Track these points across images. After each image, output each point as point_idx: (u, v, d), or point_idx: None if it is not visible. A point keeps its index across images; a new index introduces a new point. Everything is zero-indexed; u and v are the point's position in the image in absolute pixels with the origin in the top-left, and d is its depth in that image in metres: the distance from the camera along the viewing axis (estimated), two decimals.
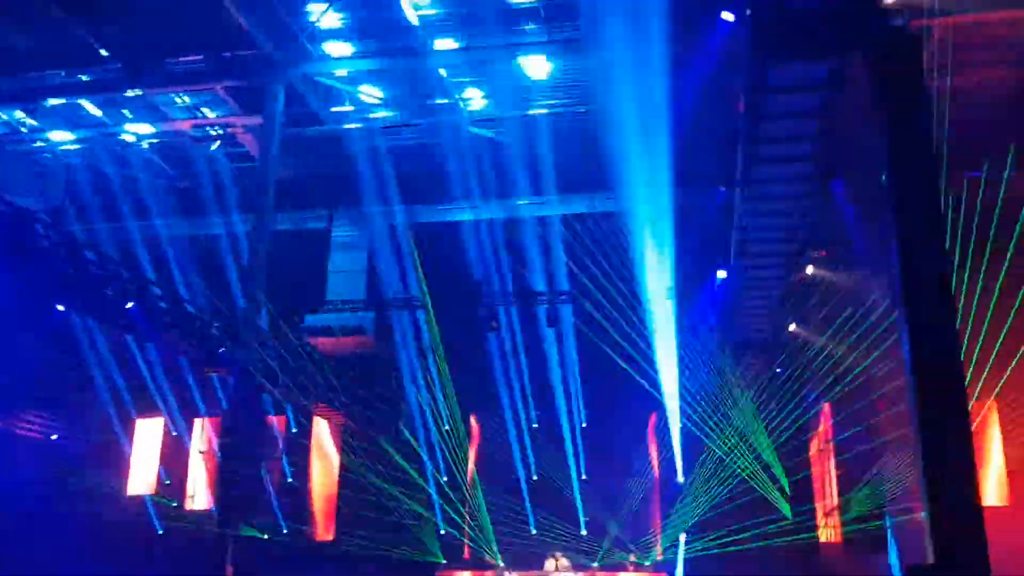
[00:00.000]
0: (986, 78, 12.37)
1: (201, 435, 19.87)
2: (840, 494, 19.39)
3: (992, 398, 16.27)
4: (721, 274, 17.12)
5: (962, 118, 11.31)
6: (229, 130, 18.15)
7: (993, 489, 16.44)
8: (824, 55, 10.79)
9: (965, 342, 11.75)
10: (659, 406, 20.35)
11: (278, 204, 17.42)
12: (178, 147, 18.72)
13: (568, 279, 18.59)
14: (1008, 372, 14.96)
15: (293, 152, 18.23)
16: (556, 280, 18.81)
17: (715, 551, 18.13)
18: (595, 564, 19.68)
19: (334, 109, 17.86)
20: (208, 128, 18.20)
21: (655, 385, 18.99)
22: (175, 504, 19.66)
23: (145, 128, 18.29)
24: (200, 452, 19.75)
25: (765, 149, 12.51)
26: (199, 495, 19.65)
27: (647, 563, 20.09)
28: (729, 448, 18.37)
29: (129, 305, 18.40)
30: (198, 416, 19.80)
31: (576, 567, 18.96)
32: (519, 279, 19.18)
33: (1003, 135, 13.47)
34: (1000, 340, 14.21)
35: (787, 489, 18.78)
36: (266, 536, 19.84)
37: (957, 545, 8.08)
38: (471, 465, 20.93)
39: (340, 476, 21.10)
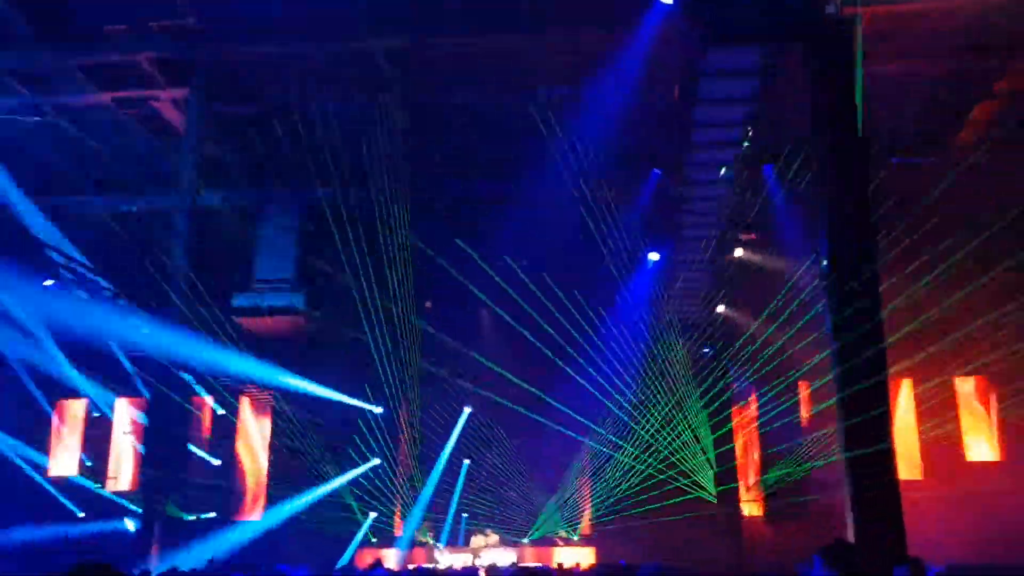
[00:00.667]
0: (913, 66, 12.80)
1: (125, 416, 19.38)
2: (762, 470, 20.06)
3: (905, 375, 17.06)
4: (654, 256, 17.40)
5: (890, 105, 11.71)
6: (153, 103, 17.54)
7: (906, 464, 17.21)
8: (758, 42, 11.04)
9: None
10: (589, 386, 20.67)
11: (205, 182, 17.01)
12: (99, 120, 18.02)
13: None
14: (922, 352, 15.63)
15: (221, 128, 17.77)
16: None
17: (641, 522, 18.50)
18: (524, 540, 19.93)
19: (264, 86, 17.41)
20: (132, 101, 17.55)
21: (586, 365, 19.26)
22: (98, 486, 19.18)
23: (64, 100, 17.55)
24: (124, 433, 19.26)
25: (699, 134, 12.76)
26: (123, 476, 19.20)
27: (575, 537, 20.45)
28: (659, 425, 18.76)
29: (48, 283, 17.90)
30: (122, 396, 19.30)
31: (505, 543, 19.18)
32: None
33: (927, 122, 14.00)
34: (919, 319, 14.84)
35: (713, 464, 19.29)
36: (193, 517, 19.56)
37: (876, 521, 8.44)
38: (403, 445, 20.93)
39: (269, 456, 20.89)
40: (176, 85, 16.91)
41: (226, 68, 16.62)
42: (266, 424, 20.93)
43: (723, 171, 13.42)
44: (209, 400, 20.31)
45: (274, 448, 19.99)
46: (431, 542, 19.60)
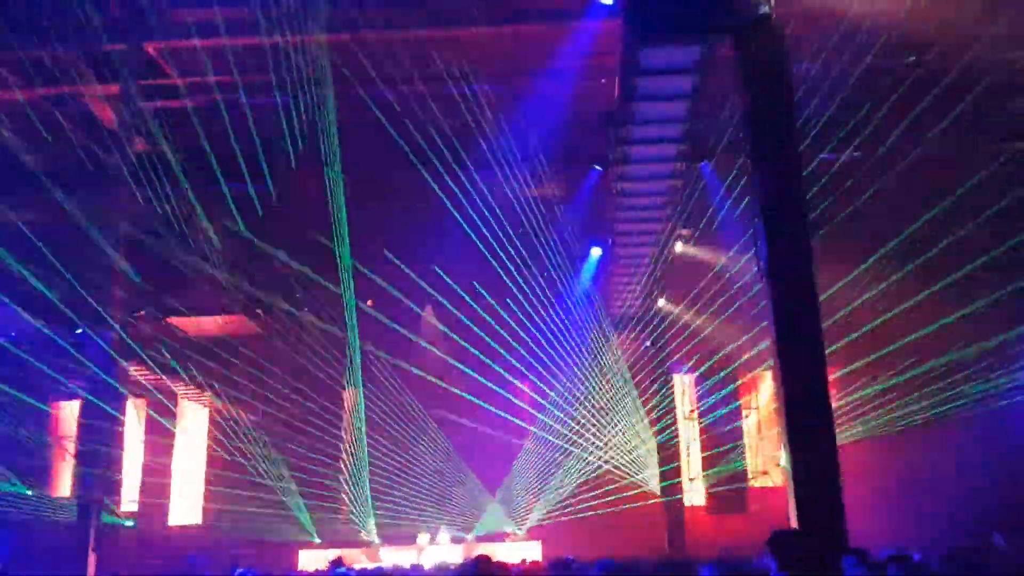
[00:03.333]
0: (843, 64, 13.12)
1: (61, 420, 18.91)
2: (704, 462, 20.43)
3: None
4: (596, 251, 17.58)
5: (820, 102, 11.99)
6: (82, 99, 17.10)
7: None
8: (695, 40, 11.20)
9: None
10: (533, 381, 20.80)
11: (135, 179, 16.62)
12: (27, 116, 17.48)
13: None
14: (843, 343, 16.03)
15: (152, 124, 17.37)
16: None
17: (586, 515, 18.67)
18: (470, 537, 19.94)
19: (193, 80, 17.04)
20: (61, 97, 17.07)
21: (530, 361, 19.37)
22: (31, 492, 18.65)
23: None
24: (59, 438, 18.80)
25: (637, 130, 12.90)
26: (59, 482, 18.74)
27: (521, 532, 20.53)
28: (602, 419, 18.94)
29: None
30: (57, 399, 18.82)
31: (454, 540, 19.16)
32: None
33: (852, 119, 14.35)
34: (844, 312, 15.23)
35: (656, 457, 19.54)
36: (130, 523, 19.19)
37: (817, 509, 8.64)
38: (346, 444, 20.78)
39: (208, 458, 20.59)
40: (107, 80, 16.55)
41: (158, 63, 16.30)
42: (204, 426, 20.65)
43: (661, 167, 13.60)
44: (143, 403, 19.94)
45: (214, 450, 19.71)
46: (375, 541, 19.49)
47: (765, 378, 20.09)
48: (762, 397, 20.56)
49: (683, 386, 20.66)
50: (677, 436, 20.19)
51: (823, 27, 12.49)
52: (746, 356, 17.28)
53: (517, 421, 20.12)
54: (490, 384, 20.22)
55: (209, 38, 15.17)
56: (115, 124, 17.02)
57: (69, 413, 18.68)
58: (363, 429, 20.84)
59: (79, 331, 16.42)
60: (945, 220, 13.46)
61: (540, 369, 19.15)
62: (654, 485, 19.44)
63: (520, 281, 17.67)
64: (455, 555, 17.57)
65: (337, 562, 12.94)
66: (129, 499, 19.83)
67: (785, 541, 4.89)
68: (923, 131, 13.07)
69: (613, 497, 18.46)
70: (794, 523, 8.78)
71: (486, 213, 15.72)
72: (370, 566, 15.61)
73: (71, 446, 18.39)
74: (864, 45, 13.06)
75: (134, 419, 20.62)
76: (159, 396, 19.77)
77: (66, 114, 17.02)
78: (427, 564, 16.71)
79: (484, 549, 19.10)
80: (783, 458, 9.55)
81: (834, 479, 8.80)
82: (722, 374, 18.60)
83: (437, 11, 13.83)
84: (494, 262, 17.25)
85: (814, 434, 9.06)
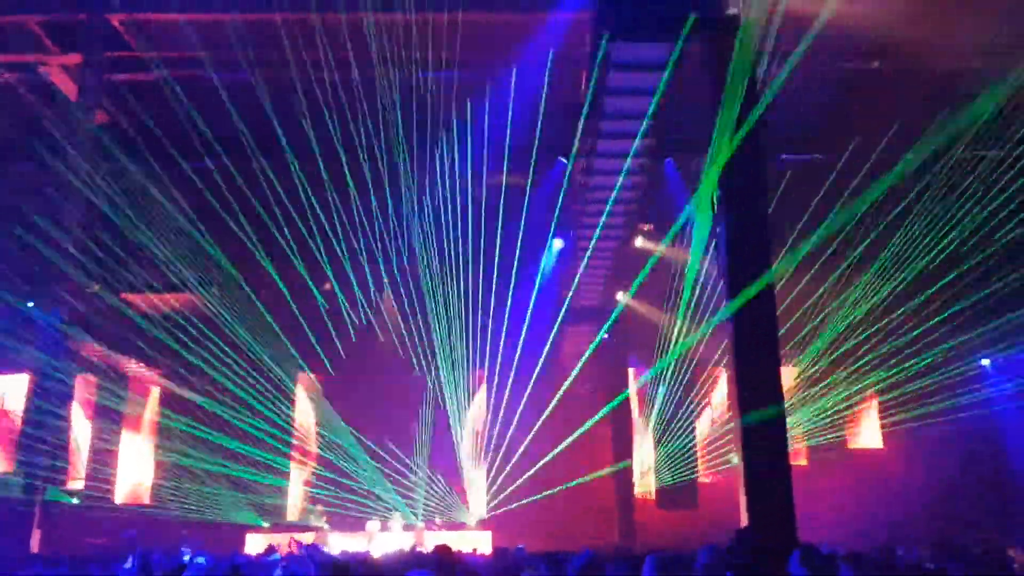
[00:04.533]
0: (810, 67, 13.29)
1: (5, 393, 18.53)
2: (655, 454, 20.62)
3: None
4: (558, 243, 17.61)
5: (786, 104, 12.12)
6: (42, 69, 16.70)
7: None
8: (664, 37, 11.26)
9: None
10: (492, 370, 20.83)
11: (96, 153, 16.30)
12: None
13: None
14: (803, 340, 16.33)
15: (115, 97, 17.04)
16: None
17: (538, 508, 18.76)
18: (420, 524, 19.91)
19: (158, 53, 16.75)
20: (19, 67, 16.66)
21: (489, 350, 19.40)
22: None
23: None
24: (3, 412, 18.42)
25: (603, 123, 12.94)
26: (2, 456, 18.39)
27: (472, 522, 20.57)
28: (557, 409, 19.02)
29: None
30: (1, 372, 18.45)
31: (405, 527, 19.11)
32: None
33: (818, 121, 14.56)
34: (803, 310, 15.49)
35: (611, 450, 19.69)
36: (75, 500, 18.88)
37: (767, 505, 8.80)
38: (297, 427, 20.66)
39: (156, 438, 20.32)
40: (67, 51, 16.19)
41: (120, 34, 15.97)
42: (152, 403, 20.38)
43: (626, 162, 13.66)
44: (93, 378, 19.59)
45: (162, 429, 19.47)
46: (324, 526, 19.37)
47: (720, 375, 20.35)
48: (717, 394, 20.81)
49: (638, 380, 20.83)
50: (631, 429, 20.37)
51: (792, 29, 12.62)
52: (702, 352, 17.49)
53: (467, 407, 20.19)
54: (446, 369, 20.26)
55: (176, 12, 14.93)
56: (75, 95, 16.65)
57: (15, 387, 18.28)
58: (317, 412, 20.77)
59: (30, 304, 16.07)
60: (907, 225, 13.73)
61: (498, 359, 19.21)
62: (607, 477, 19.60)
63: (480, 271, 17.69)
64: (406, 543, 17.49)
65: (271, 549, 12.87)
66: (76, 476, 19.51)
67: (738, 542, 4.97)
68: (886, 134, 13.28)
69: (562, 487, 18.57)
70: (744, 520, 8.92)
71: (448, 202, 15.70)
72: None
73: (17, 420, 18.03)
74: (832, 48, 13.25)
75: (83, 395, 20.27)
76: (109, 373, 19.47)
77: (23, 83, 16.65)
78: (376, 551, 16.65)
79: (435, 538, 19.13)
80: (736, 456, 9.69)
81: (785, 477, 8.96)
82: (677, 370, 18.77)
83: None
84: (453, 251, 17.27)
85: (767, 433, 9.21)
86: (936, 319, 14.98)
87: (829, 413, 18.09)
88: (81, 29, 15.86)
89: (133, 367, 19.48)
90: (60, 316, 16.16)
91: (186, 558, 9.62)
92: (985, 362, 19.51)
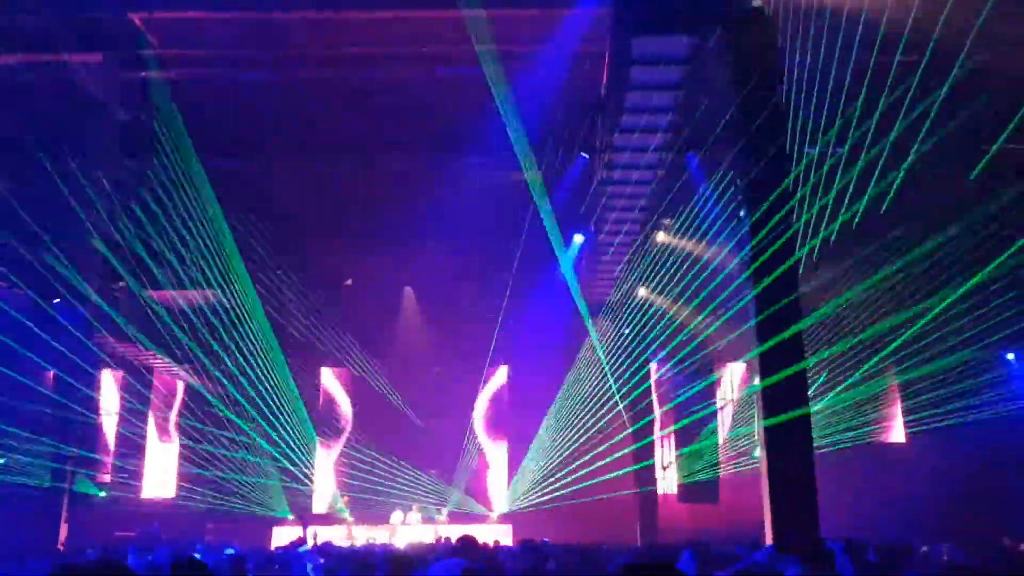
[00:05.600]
0: (835, 59, 13.18)
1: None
2: (677, 449, 20.61)
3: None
4: (578, 238, 17.60)
5: (805, 95, 12.02)
6: (66, 67, 16.82)
7: None
8: (686, 31, 11.22)
9: None
10: (511, 364, 20.90)
11: (121, 150, 16.45)
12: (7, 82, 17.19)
13: None
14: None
15: (136, 95, 17.13)
16: None
17: (559, 503, 18.78)
18: (442, 517, 20.02)
19: (179, 52, 16.80)
20: (43, 66, 16.78)
21: (507, 344, 19.47)
22: (2, 460, 18.48)
23: None
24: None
25: (625, 118, 12.90)
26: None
27: (495, 515, 20.66)
28: (578, 404, 19.04)
29: None
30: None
31: (425, 520, 19.23)
32: None
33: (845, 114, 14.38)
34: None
35: (633, 446, 19.65)
36: (102, 493, 19.11)
37: (792, 501, 8.77)
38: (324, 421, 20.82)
39: (182, 432, 20.50)
40: (90, 49, 16.28)
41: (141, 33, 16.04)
42: (177, 398, 20.56)
43: (648, 157, 13.63)
44: (119, 375, 19.78)
45: (188, 424, 19.64)
46: (349, 519, 19.51)
47: (740, 370, 20.29)
48: (737, 389, 20.76)
49: (659, 375, 20.79)
50: (652, 424, 20.34)
51: (816, 20, 12.51)
52: (723, 347, 17.42)
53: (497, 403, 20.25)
54: (467, 368, 20.33)
55: (197, 10, 14.95)
56: (99, 92, 16.77)
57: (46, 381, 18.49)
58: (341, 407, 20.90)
59: (56, 300, 16.25)
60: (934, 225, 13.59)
61: (519, 355, 19.26)
62: (628, 472, 19.58)
63: (501, 267, 17.72)
64: (427, 535, 17.59)
65: (300, 541, 12.97)
66: (102, 470, 19.74)
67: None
68: (915, 129, 13.14)
69: (586, 484, 18.56)
70: (768, 514, 8.90)
71: (469, 197, 15.71)
72: (344, 544, 15.66)
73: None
74: (858, 39, 13.12)
75: (110, 390, 20.50)
76: (135, 367, 19.66)
77: (49, 81, 16.75)
78: (400, 543, 16.75)
79: (456, 530, 19.22)
80: (758, 450, 9.67)
81: (809, 472, 8.93)
82: (699, 365, 18.72)
83: None
84: (476, 247, 17.29)
85: (791, 428, 9.17)
86: (960, 311, 14.83)
87: (850, 407, 17.99)
88: (104, 28, 15.94)
89: (159, 362, 19.65)
90: (85, 312, 16.35)
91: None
92: (1010, 356, 19.38)
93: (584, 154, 15.16)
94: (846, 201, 11.62)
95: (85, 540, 16.07)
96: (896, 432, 20.00)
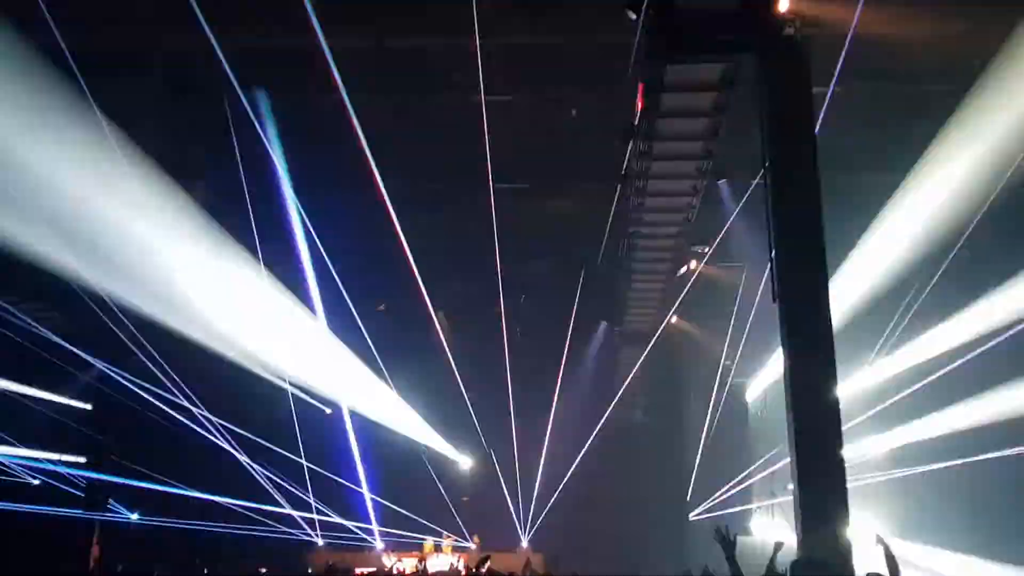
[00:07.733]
0: (861, 87, 13.11)
1: None
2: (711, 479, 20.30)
3: None
4: None
5: (838, 123, 11.94)
6: None
7: None
8: (717, 58, 11.19)
9: None
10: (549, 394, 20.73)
11: None
12: None
13: None
14: None
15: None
16: None
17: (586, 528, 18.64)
18: (473, 545, 19.91)
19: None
20: None
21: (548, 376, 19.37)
22: (36, 483, 18.67)
23: None
24: None
25: (657, 145, 12.87)
26: None
27: (524, 543, 20.50)
28: (613, 433, 18.93)
29: None
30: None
31: (456, 549, 19.15)
32: None
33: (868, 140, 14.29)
34: None
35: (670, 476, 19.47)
36: (134, 516, 19.21)
37: (824, 531, 8.58)
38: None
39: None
40: None
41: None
42: None
43: (680, 184, 13.58)
44: None
45: None
46: (379, 546, 19.47)
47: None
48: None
49: (695, 402, 20.57)
50: (687, 452, 20.11)
51: (850, 48, 12.44)
52: (757, 375, 17.22)
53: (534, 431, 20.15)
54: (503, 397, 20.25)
55: None
56: None
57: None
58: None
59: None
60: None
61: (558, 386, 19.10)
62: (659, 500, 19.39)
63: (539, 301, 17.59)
64: (459, 563, 17.53)
65: (332, 567, 12.95)
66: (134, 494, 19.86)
67: None
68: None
69: (618, 513, 18.41)
70: (799, 540, 8.72)
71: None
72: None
73: None
74: (889, 68, 13.03)
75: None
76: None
77: None
78: (431, 570, 16.69)
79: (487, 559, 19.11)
80: (791, 482, 9.49)
81: (842, 503, 8.76)
82: (731, 392, 18.54)
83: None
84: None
85: (824, 459, 8.99)
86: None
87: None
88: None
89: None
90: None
91: None
92: None
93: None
94: None
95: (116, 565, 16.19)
96: None
